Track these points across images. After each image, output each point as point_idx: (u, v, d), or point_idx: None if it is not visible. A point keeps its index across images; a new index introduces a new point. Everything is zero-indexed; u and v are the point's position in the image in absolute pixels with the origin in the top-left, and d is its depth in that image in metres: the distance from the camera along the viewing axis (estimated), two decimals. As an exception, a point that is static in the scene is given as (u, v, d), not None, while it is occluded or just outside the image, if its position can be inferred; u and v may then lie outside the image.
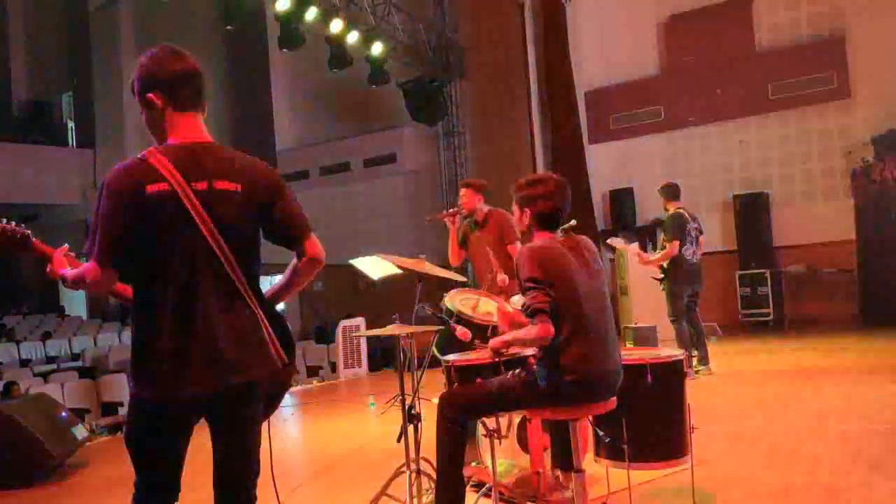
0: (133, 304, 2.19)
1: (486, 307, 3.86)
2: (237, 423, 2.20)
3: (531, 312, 2.73)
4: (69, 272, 2.21)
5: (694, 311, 7.02)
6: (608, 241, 7.62)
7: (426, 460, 3.49)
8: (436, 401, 3.12)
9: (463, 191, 5.32)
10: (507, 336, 2.96)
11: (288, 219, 2.24)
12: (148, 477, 2.20)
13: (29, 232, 2.39)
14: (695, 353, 6.93)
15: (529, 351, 3.26)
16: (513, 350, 3.16)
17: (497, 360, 3.13)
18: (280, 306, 2.36)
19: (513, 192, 3.07)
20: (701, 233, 7.05)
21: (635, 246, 9.02)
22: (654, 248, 7.60)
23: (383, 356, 11.32)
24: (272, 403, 2.33)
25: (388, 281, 5.96)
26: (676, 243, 6.80)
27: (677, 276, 6.87)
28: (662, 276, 6.98)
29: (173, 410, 2.13)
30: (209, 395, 2.11)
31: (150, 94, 2.19)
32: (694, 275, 6.94)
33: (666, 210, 7.10)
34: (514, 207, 3.07)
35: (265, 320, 2.19)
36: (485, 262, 4.72)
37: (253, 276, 2.21)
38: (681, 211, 6.99)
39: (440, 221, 5.32)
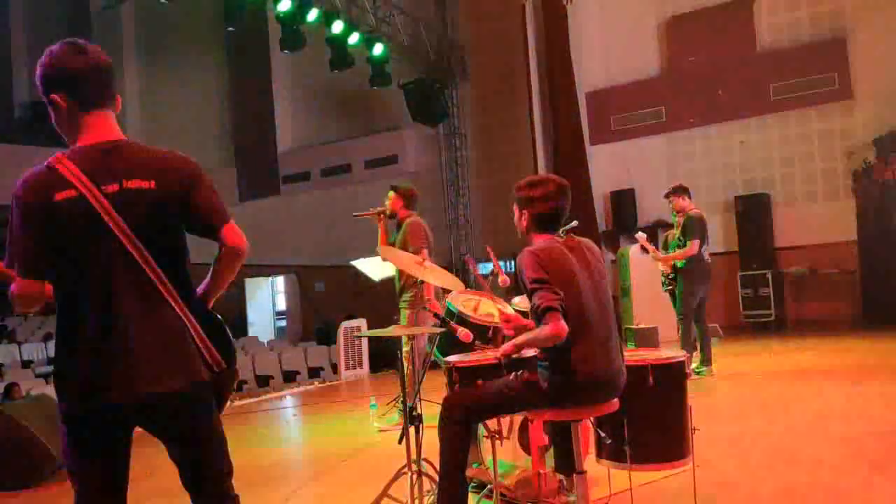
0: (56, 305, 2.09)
1: (487, 308, 3.86)
2: (177, 433, 2.11)
3: (541, 312, 2.68)
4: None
5: (701, 312, 7.06)
6: (636, 234, 7.68)
7: (428, 462, 3.49)
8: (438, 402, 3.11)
9: (390, 194, 5.66)
10: (519, 339, 2.90)
11: (205, 209, 2.12)
12: (87, 494, 2.11)
13: None
14: (695, 353, 6.94)
15: (531, 352, 3.25)
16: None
17: (504, 362, 3.09)
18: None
19: (513, 194, 3.05)
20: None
21: (638, 249, 9.05)
22: (657, 250, 7.61)
23: (385, 357, 11.31)
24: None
25: (389, 282, 5.99)
26: (697, 243, 6.85)
27: (695, 275, 6.91)
28: (673, 275, 7.01)
29: (94, 421, 2.03)
30: (131, 406, 2.02)
31: (54, 95, 2.10)
32: (708, 275, 7.01)
33: (677, 212, 7.12)
34: (514, 208, 3.05)
35: (195, 324, 2.08)
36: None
37: (178, 277, 2.09)
38: (700, 212, 7.06)
39: (366, 219, 5.60)
